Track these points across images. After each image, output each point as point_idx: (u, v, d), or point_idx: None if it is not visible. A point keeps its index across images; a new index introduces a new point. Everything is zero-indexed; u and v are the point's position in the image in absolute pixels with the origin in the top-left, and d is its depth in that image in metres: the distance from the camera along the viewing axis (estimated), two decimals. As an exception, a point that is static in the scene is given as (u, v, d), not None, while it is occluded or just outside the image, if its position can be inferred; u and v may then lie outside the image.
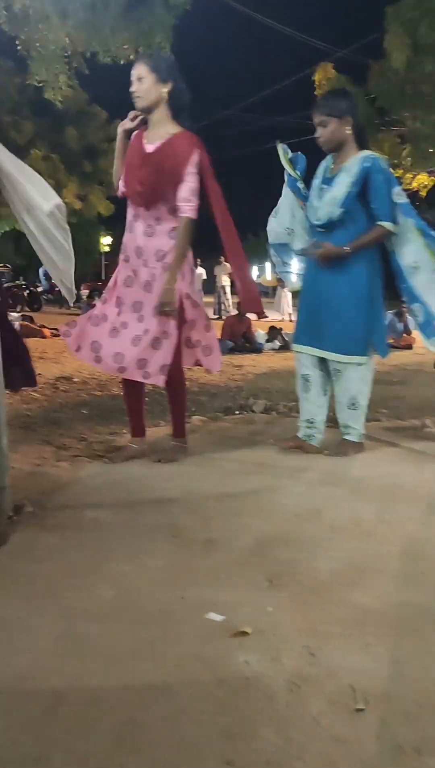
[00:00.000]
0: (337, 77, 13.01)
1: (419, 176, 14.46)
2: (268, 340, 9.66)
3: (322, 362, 3.19)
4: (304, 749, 1.18)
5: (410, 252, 3.10)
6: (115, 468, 2.94)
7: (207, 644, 1.52)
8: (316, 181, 3.17)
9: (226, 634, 1.56)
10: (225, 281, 18.45)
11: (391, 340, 9.50)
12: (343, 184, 3.02)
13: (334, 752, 1.17)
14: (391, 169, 3.45)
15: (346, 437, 3.23)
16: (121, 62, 8.33)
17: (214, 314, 16.54)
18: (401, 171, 13.84)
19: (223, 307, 18.52)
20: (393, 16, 11.05)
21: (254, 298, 3.21)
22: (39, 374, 5.83)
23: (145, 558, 1.99)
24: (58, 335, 9.96)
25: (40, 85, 8.67)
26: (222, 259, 18.29)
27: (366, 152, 3.05)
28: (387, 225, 3.02)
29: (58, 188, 21.84)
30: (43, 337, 9.82)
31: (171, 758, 1.15)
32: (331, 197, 3.04)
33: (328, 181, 3.11)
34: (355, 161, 3.03)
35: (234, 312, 11.94)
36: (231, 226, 2.97)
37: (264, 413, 4.28)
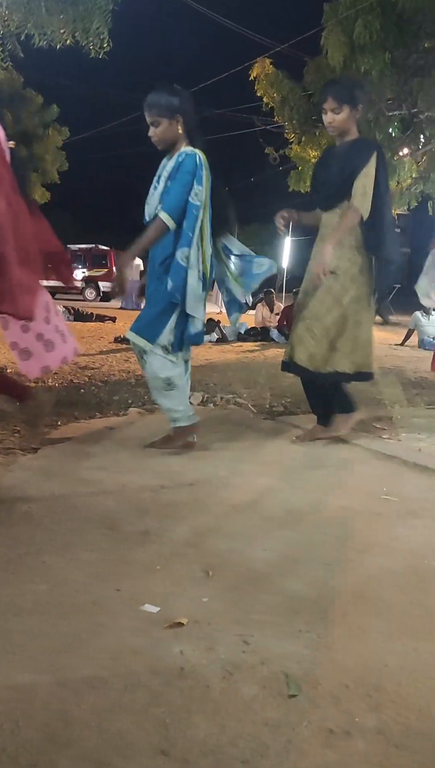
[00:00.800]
0: (275, 72, 13.07)
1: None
2: (205, 333, 9.67)
3: None
4: (237, 735, 1.19)
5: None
6: (49, 461, 2.89)
7: (142, 636, 1.51)
8: (154, 182, 3.11)
9: (162, 625, 1.56)
10: None
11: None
12: (162, 181, 3.00)
13: (266, 736, 1.19)
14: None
15: (172, 424, 3.14)
16: (58, 46, 8.15)
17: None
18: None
19: None
20: (330, 14, 11.18)
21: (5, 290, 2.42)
22: (-30, 365, 5.68)
23: (79, 551, 1.97)
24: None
25: (-28, 66, 8.38)
26: None
27: (187, 148, 2.96)
28: (162, 215, 2.89)
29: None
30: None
31: (104, 751, 1.14)
32: (156, 195, 3.02)
33: (158, 179, 3.07)
34: (174, 158, 2.97)
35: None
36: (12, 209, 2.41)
37: (201, 405, 4.30)
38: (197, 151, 2.95)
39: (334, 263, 3.19)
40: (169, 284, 2.93)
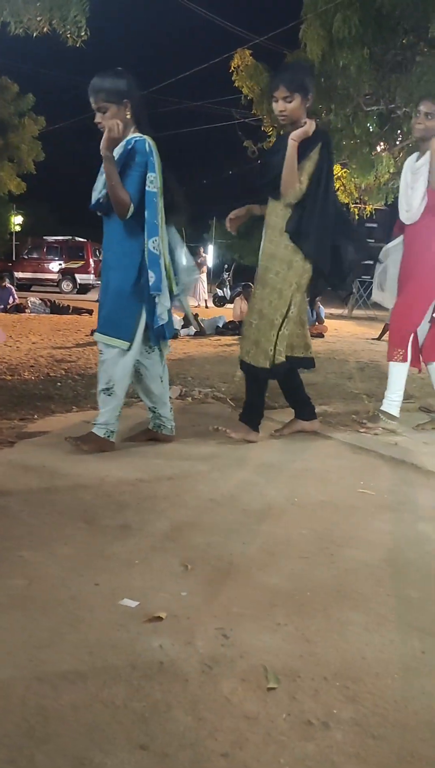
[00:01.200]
0: (254, 64, 13.04)
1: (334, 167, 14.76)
2: (183, 326, 9.67)
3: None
4: (216, 728, 1.20)
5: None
6: (26, 455, 2.86)
7: (121, 630, 1.51)
8: (101, 168, 2.96)
9: (140, 619, 1.56)
10: None
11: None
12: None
13: (245, 729, 1.20)
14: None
15: (93, 429, 3.01)
16: (35, 34, 8.03)
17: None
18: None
19: None
20: (310, 7, 11.16)
21: None
22: None
23: (57, 545, 1.96)
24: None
25: None
26: None
27: (136, 134, 2.86)
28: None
29: (-34, 163, 20.91)
30: None
31: (82, 746, 1.14)
32: (102, 180, 2.91)
33: None
34: (122, 144, 2.87)
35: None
36: None
37: (179, 399, 4.29)
38: (146, 137, 2.85)
39: (271, 249, 3.17)
40: (152, 277, 2.86)
